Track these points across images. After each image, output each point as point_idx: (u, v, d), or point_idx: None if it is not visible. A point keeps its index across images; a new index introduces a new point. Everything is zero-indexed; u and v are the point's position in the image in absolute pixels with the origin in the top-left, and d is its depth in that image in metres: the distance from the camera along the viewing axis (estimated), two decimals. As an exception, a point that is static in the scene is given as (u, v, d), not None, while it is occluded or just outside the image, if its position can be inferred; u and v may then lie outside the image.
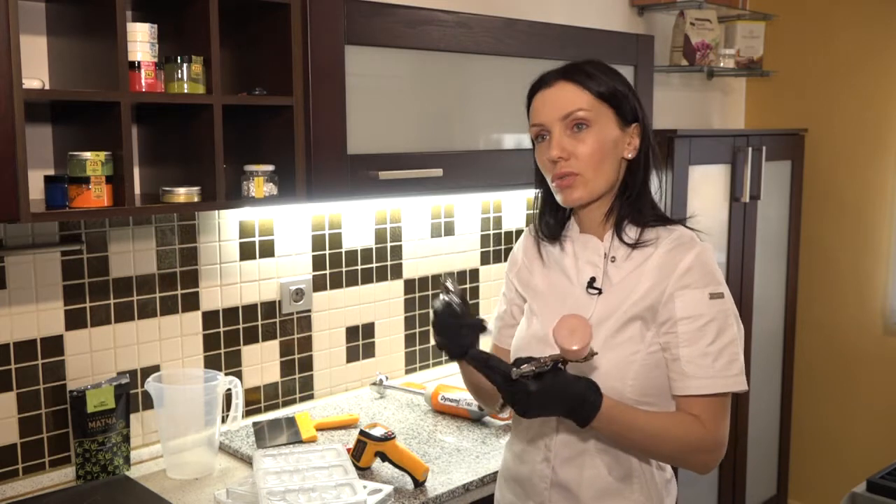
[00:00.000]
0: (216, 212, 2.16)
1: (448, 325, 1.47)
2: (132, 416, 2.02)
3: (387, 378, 2.52)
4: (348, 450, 1.91)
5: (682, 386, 1.44)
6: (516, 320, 1.65)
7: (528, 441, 1.57)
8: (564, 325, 1.30)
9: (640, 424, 1.40)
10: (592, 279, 1.51)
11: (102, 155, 1.67)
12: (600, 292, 1.50)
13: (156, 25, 1.77)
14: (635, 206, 1.51)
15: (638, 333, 1.46)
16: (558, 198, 1.50)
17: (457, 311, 1.47)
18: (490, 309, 2.88)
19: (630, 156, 1.50)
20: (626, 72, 2.41)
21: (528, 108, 1.54)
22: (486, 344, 1.59)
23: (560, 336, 1.29)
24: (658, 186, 1.57)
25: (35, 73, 1.81)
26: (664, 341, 1.45)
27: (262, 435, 2.15)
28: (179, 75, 1.78)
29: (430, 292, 2.69)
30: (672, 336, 1.44)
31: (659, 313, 1.45)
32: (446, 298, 1.49)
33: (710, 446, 1.44)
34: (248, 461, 2.03)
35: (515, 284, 1.65)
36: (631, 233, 1.50)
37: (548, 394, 1.30)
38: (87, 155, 1.65)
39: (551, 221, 1.59)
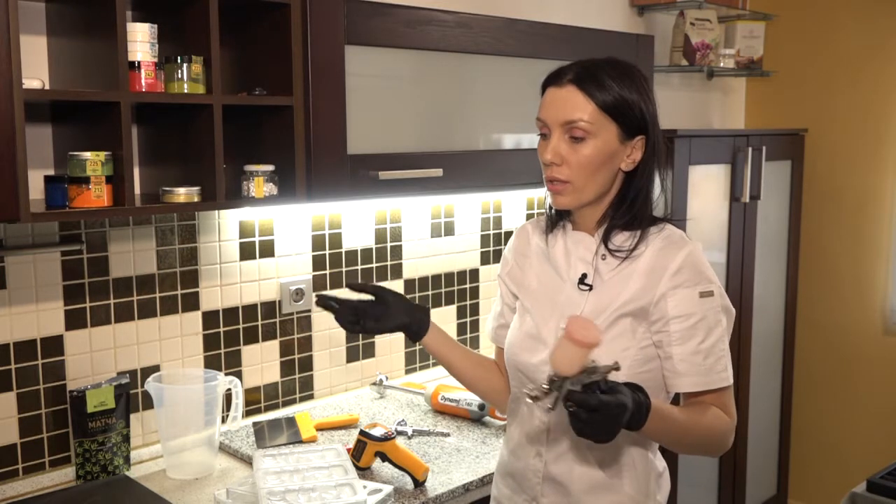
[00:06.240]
0: (216, 212, 2.16)
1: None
2: (132, 416, 2.02)
3: (387, 378, 2.52)
4: (348, 450, 1.91)
5: (676, 383, 1.48)
6: (508, 321, 1.67)
7: (522, 437, 1.59)
8: (578, 324, 1.24)
9: (676, 416, 1.43)
10: (584, 276, 1.53)
11: (102, 155, 1.67)
12: (591, 289, 1.52)
13: (156, 25, 1.76)
14: (628, 215, 1.51)
15: (629, 329, 1.48)
16: (548, 199, 1.53)
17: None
18: (490, 309, 2.88)
19: (627, 169, 1.50)
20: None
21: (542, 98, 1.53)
22: (486, 348, 1.59)
23: (581, 334, 1.22)
24: (661, 190, 1.57)
25: (35, 73, 1.81)
26: (656, 339, 1.48)
27: (262, 435, 2.14)
28: (179, 75, 1.78)
29: (430, 292, 2.69)
30: (664, 335, 1.47)
31: (651, 312, 1.47)
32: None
33: (731, 428, 1.50)
34: (248, 461, 2.03)
35: (507, 283, 1.67)
36: (618, 241, 1.51)
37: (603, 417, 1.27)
38: (87, 155, 1.65)
39: (552, 212, 1.60)
